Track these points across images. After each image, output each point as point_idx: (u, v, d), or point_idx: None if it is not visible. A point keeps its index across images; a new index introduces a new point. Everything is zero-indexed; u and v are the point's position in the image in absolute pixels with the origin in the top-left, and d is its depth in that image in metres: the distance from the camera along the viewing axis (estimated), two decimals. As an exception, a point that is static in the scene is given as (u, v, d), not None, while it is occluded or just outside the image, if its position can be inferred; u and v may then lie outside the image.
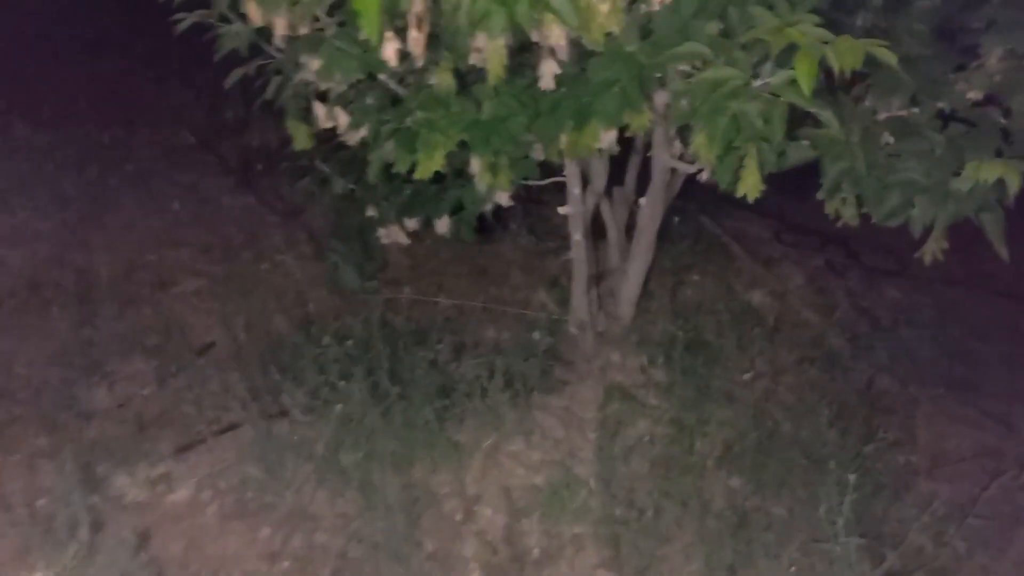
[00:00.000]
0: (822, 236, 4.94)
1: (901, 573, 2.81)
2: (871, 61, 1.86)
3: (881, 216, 2.15)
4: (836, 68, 1.84)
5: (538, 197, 4.32)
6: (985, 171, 1.90)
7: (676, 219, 4.13)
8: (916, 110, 2.17)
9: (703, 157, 2.19)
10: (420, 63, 2.14)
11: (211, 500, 2.74)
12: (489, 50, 2.06)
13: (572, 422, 3.12)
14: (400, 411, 2.94)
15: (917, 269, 4.94)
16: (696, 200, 4.48)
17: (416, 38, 1.98)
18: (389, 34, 2.00)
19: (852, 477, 3.09)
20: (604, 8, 2.10)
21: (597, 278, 3.74)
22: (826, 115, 1.94)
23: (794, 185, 2.99)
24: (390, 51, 2.00)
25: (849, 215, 2.37)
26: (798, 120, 2.26)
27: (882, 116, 2.17)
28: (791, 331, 3.99)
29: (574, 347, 3.52)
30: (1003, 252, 2.07)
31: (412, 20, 1.97)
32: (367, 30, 1.62)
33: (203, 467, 2.85)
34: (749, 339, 3.72)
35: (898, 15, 2.28)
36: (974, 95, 2.19)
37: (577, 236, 3.40)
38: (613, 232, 3.70)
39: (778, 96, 1.99)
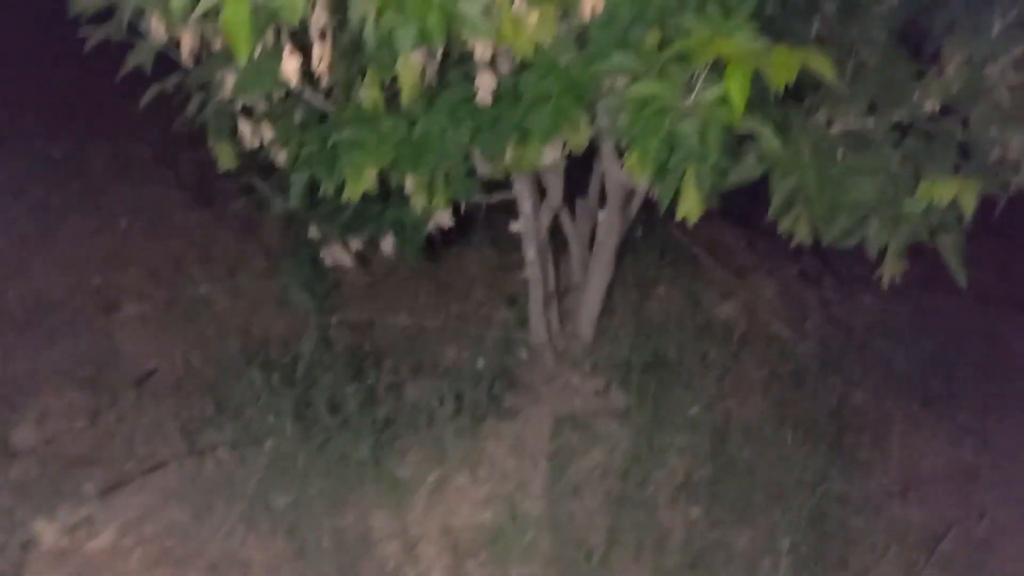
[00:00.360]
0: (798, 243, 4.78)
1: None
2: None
3: (831, 238, 1.99)
4: (772, 82, 1.69)
5: (504, 207, 4.18)
6: (940, 190, 1.75)
7: (640, 230, 3.97)
8: (874, 120, 2.01)
9: (637, 176, 2.04)
10: (325, 82, 1.98)
11: (134, 546, 2.57)
12: (401, 67, 1.91)
13: (524, 452, 2.96)
14: (340, 444, 2.78)
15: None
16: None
17: (320, 54, 1.82)
18: (288, 50, 1.84)
19: (818, 505, 2.97)
20: (532, 19, 1.94)
21: (559, 294, 3.58)
22: (765, 132, 1.78)
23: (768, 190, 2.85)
24: (291, 68, 1.84)
25: (804, 233, 2.21)
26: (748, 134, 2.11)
27: (836, 129, 2.01)
28: (760, 346, 3.84)
29: (531, 369, 3.36)
30: (961, 278, 1.91)
31: (314, 34, 1.81)
32: (237, 47, 1.46)
33: (129, 510, 2.68)
34: (715, 357, 3.57)
35: (854, 22, 2.13)
36: (932, 105, 2.04)
37: (531, 254, 3.25)
38: (575, 246, 3.54)
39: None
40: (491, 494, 2.77)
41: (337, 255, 3.30)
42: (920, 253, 2.34)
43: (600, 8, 2.05)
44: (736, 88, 1.70)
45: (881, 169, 1.85)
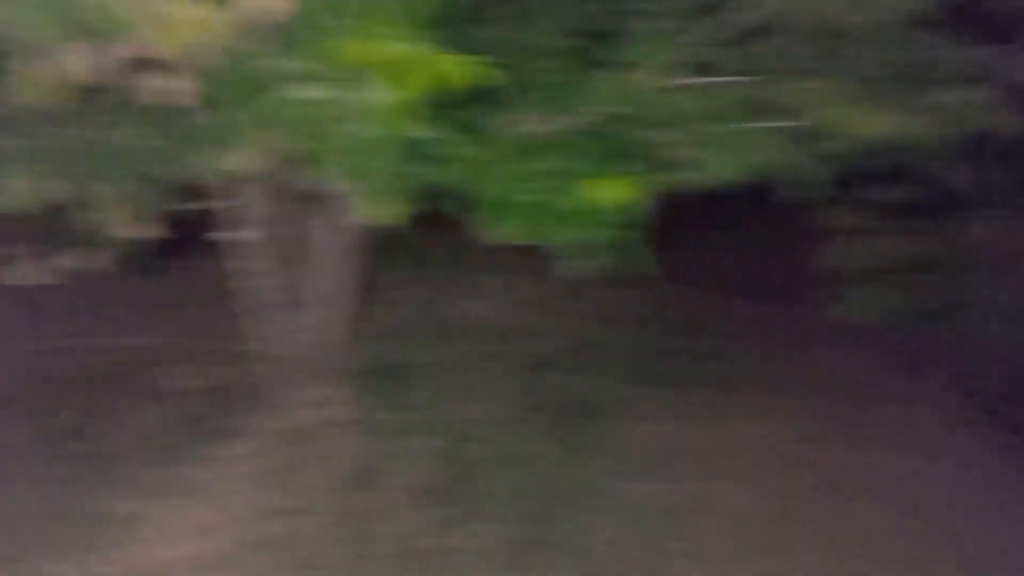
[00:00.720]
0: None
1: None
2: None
3: (503, 237, 2.01)
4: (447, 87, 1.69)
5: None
6: (603, 189, 1.81)
7: (382, 235, 3.91)
8: (547, 123, 2.05)
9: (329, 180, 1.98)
10: None
11: None
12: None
13: (253, 472, 2.83)
14: (42, 483, 2.54)
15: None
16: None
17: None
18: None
19: (549, 493, 3.03)
20: (183, 15, 1.82)
21: (295, 304, 3.45)
22: (434, 138, 1.78)
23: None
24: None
25: (508, 234, 2.19)
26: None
27: (515, 131, 2.04)
28: (502, 343, 3.90)
29: (264, 384, 3.22)
30: (648, 268, 2.00)
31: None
32: None
33: None
34: (456, 356, 3.58)
35: (531, 28, 2.17)
36: (605, 109, 2.09)
37: (260, 264, 3.11)
38: (312, 254, 3.43)
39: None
40: (214, 521, 2.61)
41: (30, 272, 2.98)
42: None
43: (277, 7, 1.96)
44: (406, 93, 1.69)
45: (547, 171, 1.90)
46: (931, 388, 3.58)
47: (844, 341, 3.75)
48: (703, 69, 2.08)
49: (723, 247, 5.06)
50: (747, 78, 2.02)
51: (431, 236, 4.49)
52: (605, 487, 3.22)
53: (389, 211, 2.01)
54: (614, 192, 1.79)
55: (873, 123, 2.01)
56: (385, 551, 2.64)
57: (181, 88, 2.13)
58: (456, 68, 1.73)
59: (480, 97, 2.02)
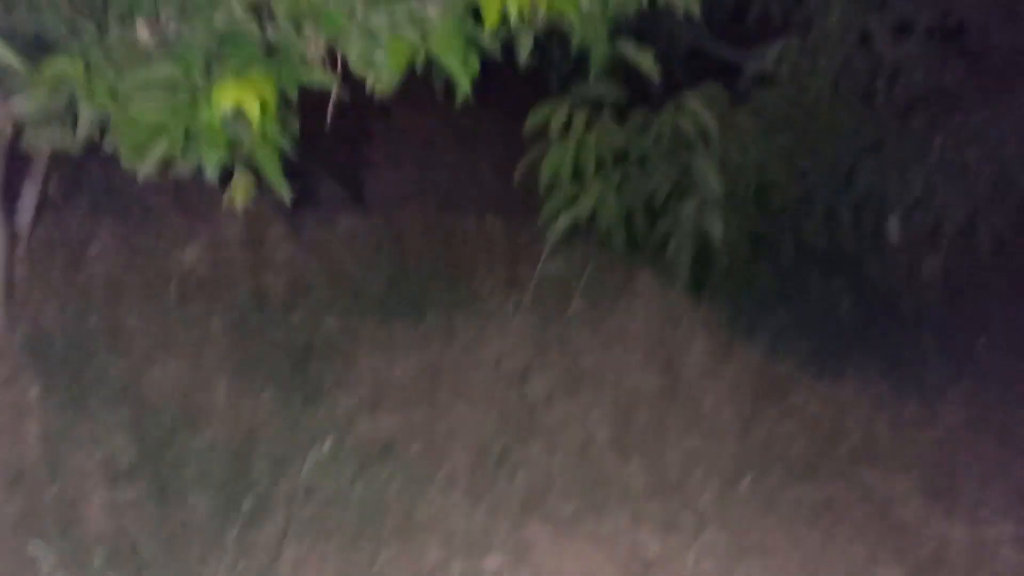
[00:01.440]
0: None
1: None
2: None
3: (128, 161, 1.73)
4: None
5: None
6: (226, 95, 1.57)
7: (56, 184, 3.43)
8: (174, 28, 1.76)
9: None
10: None
11: None
12: None
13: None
14: None
15: (376, 192, 4.91)
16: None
17: None
18: None
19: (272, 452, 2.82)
20: None
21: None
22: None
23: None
24: None
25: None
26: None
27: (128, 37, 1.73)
28: (223, 290, 3.58)
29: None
30: (284, 193, 1.78)
31: None
32: None
33: None
34: (161, 312, 3.24)
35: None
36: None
37: None
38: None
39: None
40: None
41: None
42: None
43: None
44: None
45: (169, 81, 1.63)
46: (647, 278, 3.67)
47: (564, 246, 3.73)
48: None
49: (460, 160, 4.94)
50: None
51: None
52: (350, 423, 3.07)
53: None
54: (232, 96, 1.55)
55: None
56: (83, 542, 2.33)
57: None
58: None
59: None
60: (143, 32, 1.71)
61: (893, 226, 4.17)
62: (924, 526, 2.84)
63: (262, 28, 1.79)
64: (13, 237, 3.21)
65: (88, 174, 3.70)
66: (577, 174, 3.29)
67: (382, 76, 1.79)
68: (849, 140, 3.86)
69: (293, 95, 1.74)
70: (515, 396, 3.25)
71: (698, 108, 3.32)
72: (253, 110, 1.57)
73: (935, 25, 3.69)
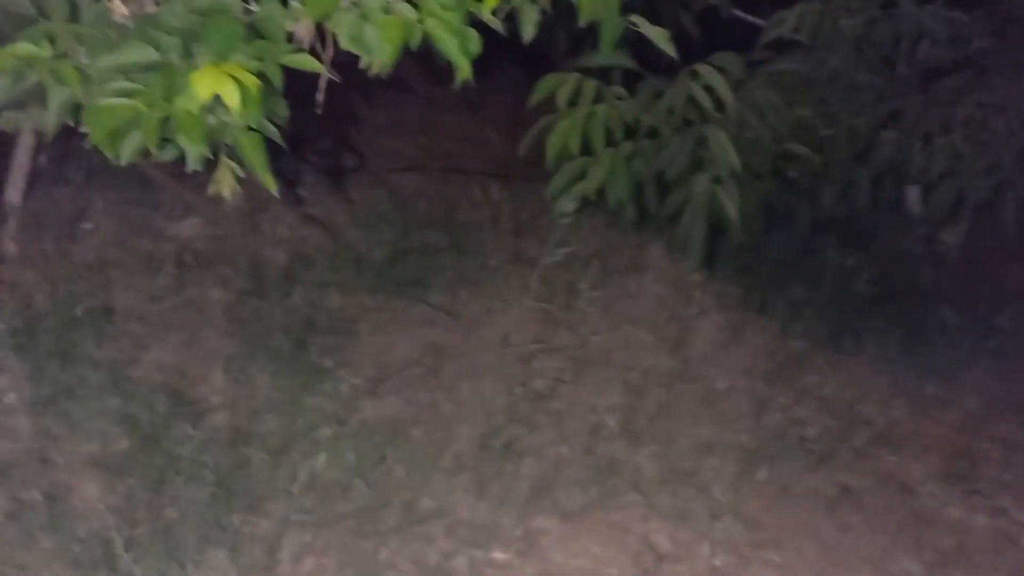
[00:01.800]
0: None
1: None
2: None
3: (103, 150, 1.61)
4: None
5: None
6: (204, 83, 1.45)
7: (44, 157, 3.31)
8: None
9: None
10: None
11: None
12: None
13: None
14: None
15: (377, 161, 4.77)
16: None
17: None
18: None
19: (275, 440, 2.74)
20: None
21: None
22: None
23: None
24: None
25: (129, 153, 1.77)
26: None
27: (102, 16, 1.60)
28: (222, 265, 3.48)
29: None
30: (270, 185, 1.67)
31: None
32: None
33: None
34: (160, 288, 3.15)
35: None
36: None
37: None
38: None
39: None
40: None
41: None
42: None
43: None
44: None
45: (144, 64, 1.51)
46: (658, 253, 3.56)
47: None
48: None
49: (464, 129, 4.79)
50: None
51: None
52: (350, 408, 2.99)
53: None
54: (212, 84, 1.43)
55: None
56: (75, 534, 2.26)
57: None
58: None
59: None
60: (119, 9, 1.58)
61: (913, 198, 4.04)
62: (944, 514, 2.75)
63: (246, 2, 1.66)
64: (3, 213, 3.12)
65: (80, 147, 3.57)
66: (586, 147, 3.15)
67: (376, 57, 1.66)
68: (869, 109, 3.69)
69: (278, 83, 1.61)
70: (521, 377, 3.15)
71: (712, 78, 3.17)
72: (233, 100, 1.45)
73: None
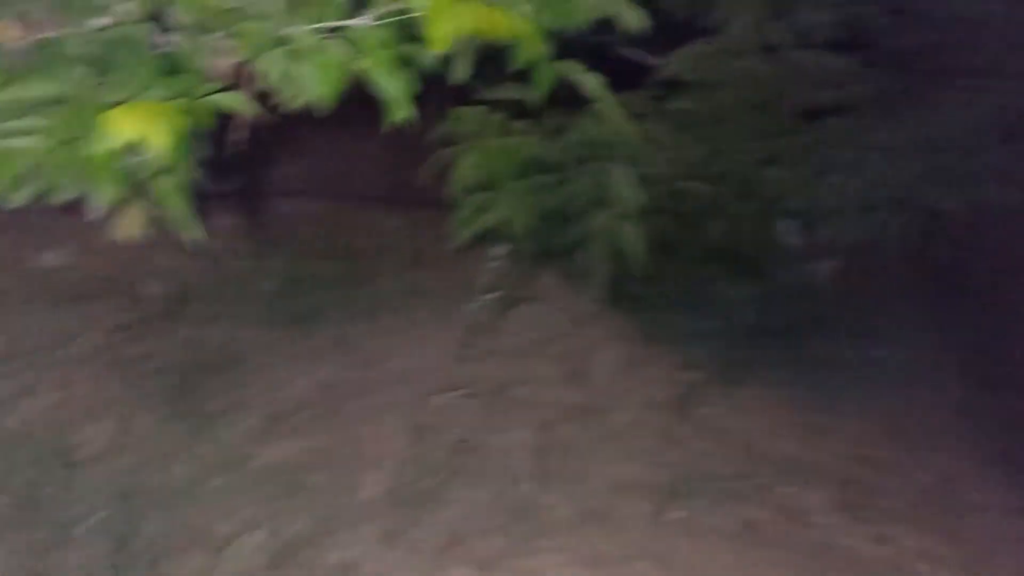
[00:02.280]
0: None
1: None
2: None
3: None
4: None
5: None
6: (124, 123, 1.31)
7: None
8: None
9: None
10: None
11: None
12: None
13: None
14: None
15: (266, 184, 4.55)
16: None
17: None
18: None
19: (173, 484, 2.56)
20: None
21: None
22: None
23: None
24: None
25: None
26: None
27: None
28: (97, 298, 3.23)
29: None
30: (193, 234, 1.53)
31: None
32: None
33: None
34: (34, 329, 2.88)
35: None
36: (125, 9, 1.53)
37: None
38: None
39: None
40: None
41: None
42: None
43: None
44: None
45: (47, 100, 1.35)
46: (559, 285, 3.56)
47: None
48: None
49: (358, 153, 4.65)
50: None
51: None
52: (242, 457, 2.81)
53: None
54: (134, 125, 1.29)
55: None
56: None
57: None
58: None
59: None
60: (12, 35, 1.41)
61: (790, 233, 4.20)
62: (838, 543, 2.83)
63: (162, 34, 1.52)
64: None
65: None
66: (490, 182, 3.11)
67: (312, 97, 1.56)
68: (753, 148, 3.83)
69: (208, 123, 1.48)
70: (425, 416, 3.06)
71: (614, 115, 3.19)
72: (162, 142, 1.31)
73: (840, 36, 3.68)
